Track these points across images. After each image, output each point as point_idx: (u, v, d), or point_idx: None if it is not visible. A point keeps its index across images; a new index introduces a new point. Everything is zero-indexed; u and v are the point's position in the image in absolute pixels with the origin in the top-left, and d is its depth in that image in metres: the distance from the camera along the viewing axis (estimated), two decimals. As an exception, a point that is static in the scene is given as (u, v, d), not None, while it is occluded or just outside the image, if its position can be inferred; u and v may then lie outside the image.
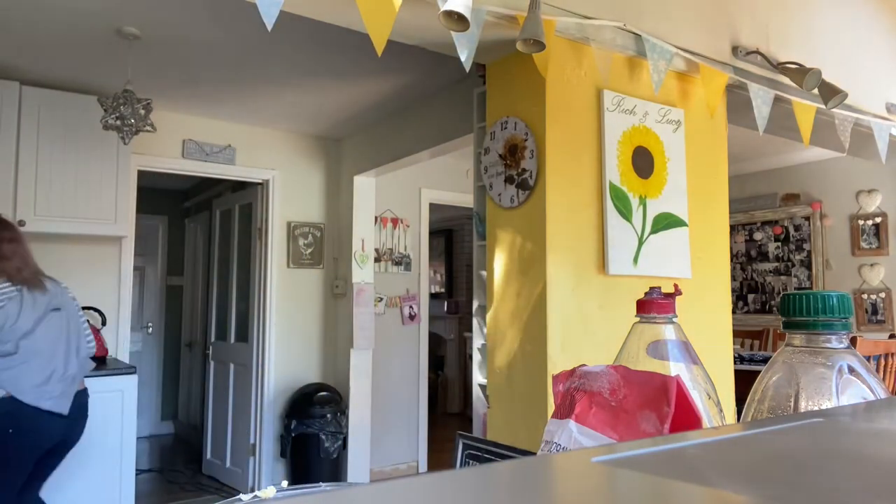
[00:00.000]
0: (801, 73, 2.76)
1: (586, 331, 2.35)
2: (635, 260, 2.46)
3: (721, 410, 0.66)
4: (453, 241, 8.11)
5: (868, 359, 3.13)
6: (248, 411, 4.40)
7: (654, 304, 0.68)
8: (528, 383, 2.32)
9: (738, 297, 5.64)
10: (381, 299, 4.78)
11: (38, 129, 3.38)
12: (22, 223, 3.29)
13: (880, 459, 0.34)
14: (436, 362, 7.33)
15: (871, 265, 4.88)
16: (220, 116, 4.18)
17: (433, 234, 7.24)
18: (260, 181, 4.45)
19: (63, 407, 2.61)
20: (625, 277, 2.45)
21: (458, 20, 1.87)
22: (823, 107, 2.90)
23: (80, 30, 2.87)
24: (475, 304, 2.82)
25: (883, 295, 4.82)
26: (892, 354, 3.50)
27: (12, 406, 2.49)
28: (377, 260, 4.76)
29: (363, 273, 4.41)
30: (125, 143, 3.07)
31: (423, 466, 4.99)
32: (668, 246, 2.57)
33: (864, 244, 4.93)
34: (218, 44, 3.03)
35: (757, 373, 0.61)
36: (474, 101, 2.83)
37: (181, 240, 6.65)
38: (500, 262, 2.48)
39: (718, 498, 0.27)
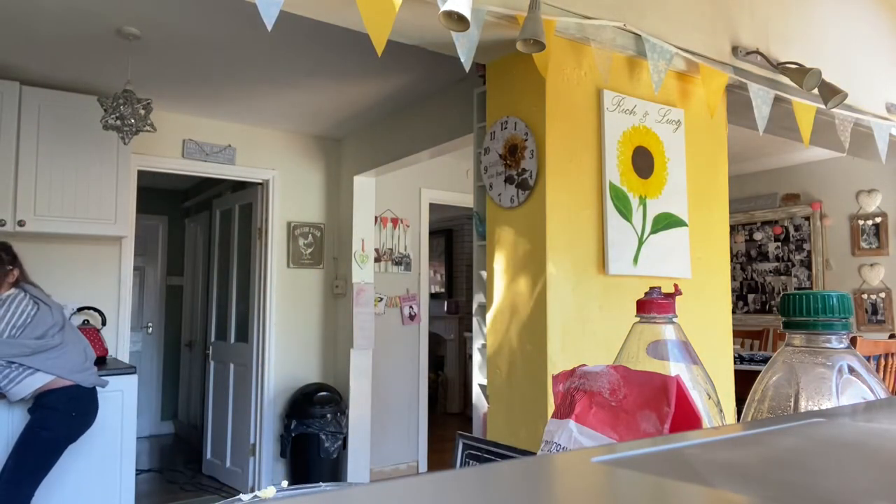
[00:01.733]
0: (801, 73, 2.76)
1: (586, 331, 2.35)
2: (635, 260, 2.46)
3: (721, 410, 0.66)
4: (453, 241, 8.11)
5: (868, 359, 3.13)
6: (248, 411, 4.40)
7: (654, 304, 0.68)
8: (528, 383, 2.32)
9: (738, 297, 5.64)
10: (381, 299, 4.78)
11: (38, 129, 3.38)
12: (22, 223, 3.29)
13: (880, 459, 0.34)
14: (436, 362, 7.33)
15: (871, 265, 4.88)
16: (220, 116, 4.18)
17: (433, 234, 7.24)
18: (260, 181, 4.45)
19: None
20: (625, 277, 2.45)
21: (458, 20, 1.87)
22: (823, 107, 2.90)
23: (80, 30, 2.87)
24: (475, 304, 2.82)
25: (883, 295, 4.82)
26: (892, 354, 3.50)
27: (76, 391, 2.81)
28: (377, 260, 4.76)
29: (363, 273, 4.41)
30: (125, 143, 3.08)
31: (423, 466, 4.99)
32: (668, 246, 2.57)
33: (864, 244, 4.93)
34: (218, 44, 3.03)
35: (757, 373, 0.61)
36: (474, 101, 2.83)
37: (181, 240, 6.65)
38: (500, 262, 2.48)
39: (718, 498, 0.27)
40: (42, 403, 2.76)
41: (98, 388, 2.93)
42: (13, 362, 2.68)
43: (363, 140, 4.41)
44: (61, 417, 2.77)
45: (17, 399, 2.75)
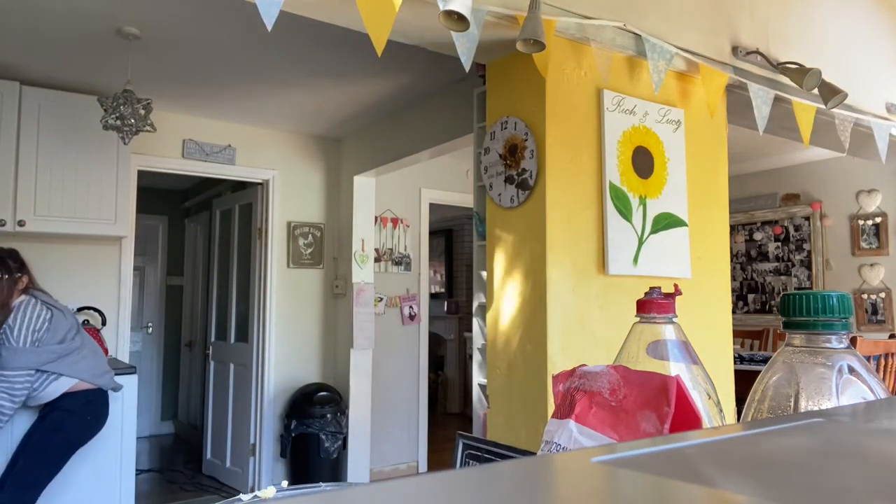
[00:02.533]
0: (801, 73, 2.76)
1: (586, 331, 2.35)
2: (635, 260, 2.46)
3: (721, 410, 0.66)
4: (453, 241, 8.11)
5: (868, 359, 3.13)
6: (248, 411, 4.40)
7: (654, 304, 0.68)
8: (528, 383, 2.32)
9: (738, 297, 5.64)
10: (381, 299, 4.78)
11: (38, 129, 3.37)
12: (22, 223, 3.29)
13: (880, 459, 0.34)
14: (436, 362, 7.33)
15: (871, 265, 4.88)
16: (220, 116, 4.18)
17: (433, 234, 7.24)
18: (260, 181, 4.45)
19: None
20: (625, 277, 2.45)
21: (458, 20, 1.87)
22: (823, 107, 2.90)
23: (80, 30, 2.87)
24: (475, 304, 2.82)
25: (883, 295, 4.82)
26: (892, 354, 3.50)
27: (93, 395, 2.77)
28: (377, 260, 4.76)
29: (363, 273, 4.41)
30: (125, 143, 3.08)
31: (423, 466, 4.99)
32: (668, 246, 2.57)
33: (864, 244, 4.93)
34: (218, 44, 3.03)
35: (757, 373, 0.61)
36: (474, 101, 2.83)
37: (181, 240, 6.65)
38: (500, 262, 2.48)
39: (718, 498, 0.27)
40: (58, 405, 2.68)
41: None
42: (43, 371, 2.61)
43: (363, 140, 4.41)
44: (77, 420, 2.70)
45: (38, 404, 2.69)
